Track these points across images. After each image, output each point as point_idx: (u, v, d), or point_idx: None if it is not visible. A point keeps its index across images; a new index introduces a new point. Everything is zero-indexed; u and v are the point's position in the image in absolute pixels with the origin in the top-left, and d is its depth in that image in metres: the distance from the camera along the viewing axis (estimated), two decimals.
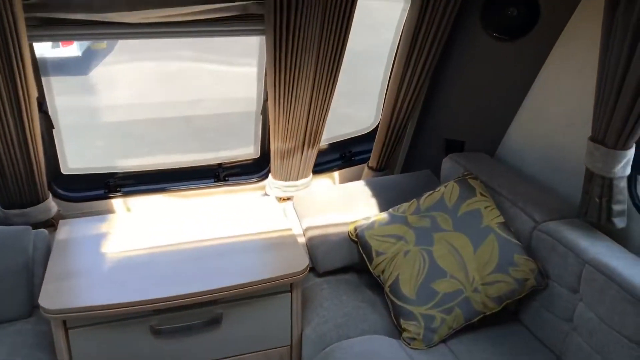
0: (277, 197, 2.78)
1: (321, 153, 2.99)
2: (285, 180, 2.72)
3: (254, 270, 2.07)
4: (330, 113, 2.59)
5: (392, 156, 2.91)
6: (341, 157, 3.04)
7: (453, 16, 2.44)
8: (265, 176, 2.80)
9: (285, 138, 2.55)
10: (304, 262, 2.11)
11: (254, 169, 2.85)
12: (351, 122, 2.82)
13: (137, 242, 2.24)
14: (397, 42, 2.66)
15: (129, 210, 2.67)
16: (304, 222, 2.49)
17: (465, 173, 2.52)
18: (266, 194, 2.80)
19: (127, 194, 2.66)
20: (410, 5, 2.43)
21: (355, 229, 2.42)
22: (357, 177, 3.02)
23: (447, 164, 2.76)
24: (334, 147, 3.06)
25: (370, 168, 2.92)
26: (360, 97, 2.70)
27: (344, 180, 3.03)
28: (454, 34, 2.59)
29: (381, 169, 2.92)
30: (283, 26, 2.18)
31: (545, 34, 2.50)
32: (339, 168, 3.03)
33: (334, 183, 3.04)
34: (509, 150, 2.85)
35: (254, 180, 2.82)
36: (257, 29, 2.25)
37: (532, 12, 2.49)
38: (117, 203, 2.66)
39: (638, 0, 1.86)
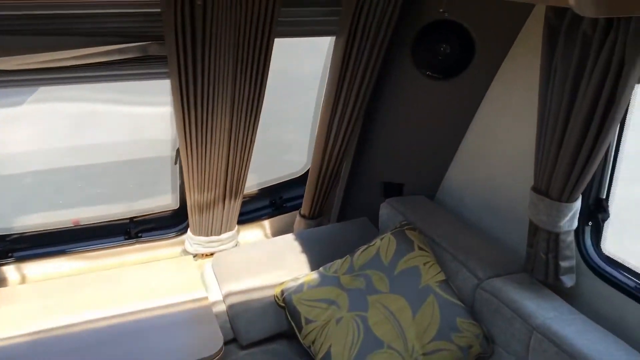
0: (199, 254, 2.48)
1: (249, 200, 2.73)
2: (207, 236, 2.43)
3: (158, 358, 1.76)
4: (279, 141, 2.33)
5: (326, 202, 2.67)
6: (271, 204, 2.78)
7: (382, 52, 2.24)
8: (185, 230, 2.51)
9: (202, 190, 2.27)
10: (218, 342, 1.82)
11: (172, 223, 2.55)
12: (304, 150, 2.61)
13: (22, 325, 1.89)
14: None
15: (24, 279, 2.31)
16: (223, 287, 2.19)
17: (403, 223, 2.30)
18: (186, 251, 2.50)
19: (21, 259, 2.30)
20: (336, 39, 2.22)
21: (282, 292, 2.15)
22: (289, 226, 2.76)
23: (385, 209, 2.55)
24: (264, 192, 2.80)
25: (303, 216, 2.67)
26: (307, 123, 2.52)
27: (275, 229, 2.77)
28: (386, 71, 2.41)
29: (314, 216, 2.67)
30: (189, 68, 1.92)
31: (480, 73, 2.35)
32: (270, 216, 2.76)
33: (265, 233, 2.76)
34: (450, 193, 2.67)
35: (172, 235, 2.52)
36: (160, 71, 1.98)
37: (466, 49, 2.33)
38: (10, 271, 2.30)
39: (577, 41, 1.71)
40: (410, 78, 2.43)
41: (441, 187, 2.72)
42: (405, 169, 2.72)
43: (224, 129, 2.13)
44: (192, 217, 2.36)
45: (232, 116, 2.13)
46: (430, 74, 2.41)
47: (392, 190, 2.73)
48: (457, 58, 2.36)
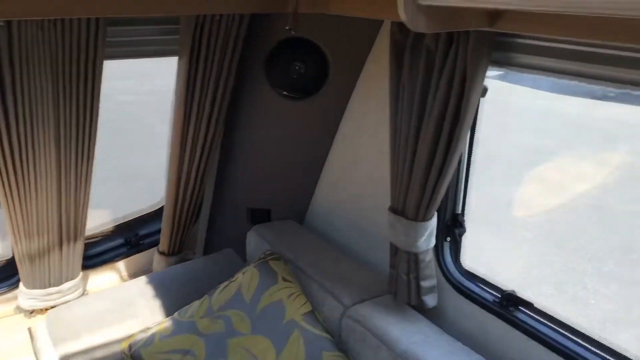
0: (37, 310, 2.15)
1: (100, 241, 2.45)
2: (44, 288, 2.12)
3: None
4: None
5: (187, 235, 2.46)
6: (126, 242, 2.50)
7: (232, 72, 2.10)
8: (18, 284, 2.16)
9: (31, 236, 1.97)
10: None
11: (2, 276, 2.19)
12: None
13: None
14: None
15: None
16: (59, 348, 1.88)
17: (267, 253, 2.15)
18: (20, 308, 2.15)
19: None
20: (179, 60, 2.03)
21: (130, 347, 1.90)
22: (149, 265, 2.51)
23: (252, 237, 2.40)
24: (118, 230, 2.52)
25: (162, 253, 2.43)
26: None
27: (133, 270, 2.50)
28: (241, 93, 2.27)
29: (175, 252, 2.44)
30: None
31: (337, 91, 2.29)
32: (126, 256, 2.48)
33: (120, 276, 2.48)
34: (318, 215, 2.57)
35: (3, 290, 2.17)
36: None
37: (321, 67, 2.26)
38: None
39: (422, 56, 1.68)
40: (267, 98, 2.32)
41: (309, 210, 2.62)
42: (271, 193, 2.59)
43: (51, 165, 1.86)
44: (23, 268, 2.04)
45: (60, 150, 1.86)
46: (287, 93, 2.31)
47: (260, 216, 2.59)
48: (313, 77, 2.29)
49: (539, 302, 1.76)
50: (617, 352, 1.52)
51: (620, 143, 6.87)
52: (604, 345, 1.55)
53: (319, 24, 2.16)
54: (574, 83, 1.55)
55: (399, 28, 1.76)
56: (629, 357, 1.49)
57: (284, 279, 2.02)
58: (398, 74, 1.79)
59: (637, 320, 3.76)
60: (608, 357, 1.52)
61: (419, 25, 1.33)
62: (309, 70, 2.27)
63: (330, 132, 2.40)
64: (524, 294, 1.77)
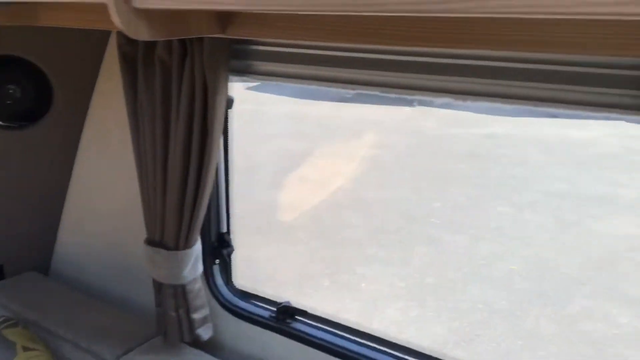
0: None
1: None
2: None
3: None
4: None
5: None
6: None
7: None
8: None
9: None
10: None
11: None
12: None
13: None
14: None
15: None
16: None
17: (1, 320, 1.74)
18: None
19: None
20: None
21: None
22: None
23: None
24: None
25: None
26: None
27: None
28: None
29: None
30: None
31: (67, 116, 1.99)
32: None
33: None
34: (66, 261, 2.21)
35: None
36: None
37: (43, 90, 1.92)
38: None
39: (156, 69, 1.52)
40: None
41: (54, 256, 2.23)
42: (1, 244, 2.13)
43: None
44: None
45: None
46: (1, 123, 1.92)
47: None
48: (34, 101, 1.94)
49: (318, 296, 1.75)
50: (383, 339, 1.58)
51: (363, 139, 7.70)
52: (375, 336, 1.60)
53: (34, 38, 1.83)
54: (314, 87, 1.56)
55: (126, 38, 1.57)
56: (394, 342, 1.56)
57: (26, 348, 1.64)
58: (133, 90, 1.61)
59: (398, 294, 4.19)
60: (379, 346, 1.57)
61: (139, 32, 1.16)
62: (27, 93, 1.91)
63: (66, 162, 2.07)
64: (305, 292, 1.75)
